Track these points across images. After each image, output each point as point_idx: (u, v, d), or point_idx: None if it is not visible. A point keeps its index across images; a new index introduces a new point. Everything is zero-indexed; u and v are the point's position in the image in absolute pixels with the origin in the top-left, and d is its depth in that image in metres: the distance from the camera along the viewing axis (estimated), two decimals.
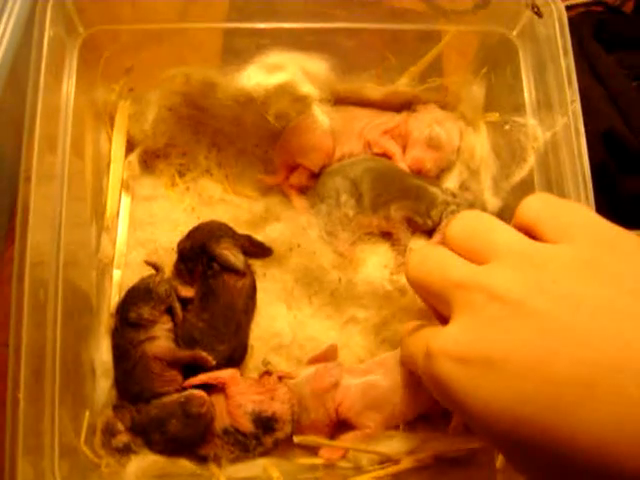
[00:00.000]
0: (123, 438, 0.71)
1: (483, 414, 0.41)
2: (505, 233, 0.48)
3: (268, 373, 0.74)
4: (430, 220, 0.80)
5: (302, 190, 0.84)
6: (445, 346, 0.44)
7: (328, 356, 0.76)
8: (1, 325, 0.79)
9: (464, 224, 0.51)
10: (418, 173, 0.83)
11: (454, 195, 0.81)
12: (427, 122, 0.84)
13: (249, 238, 0.80)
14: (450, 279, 0.47)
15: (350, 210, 0.78)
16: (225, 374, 0.72)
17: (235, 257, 0.76)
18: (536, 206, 0.49)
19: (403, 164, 0.83)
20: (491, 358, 0.41)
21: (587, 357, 0.37)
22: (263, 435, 0.71)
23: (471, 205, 0.80)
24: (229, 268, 0.76)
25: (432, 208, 0.80)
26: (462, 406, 0.42)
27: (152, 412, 0.71)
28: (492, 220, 0.51)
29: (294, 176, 0.83)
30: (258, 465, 0.71)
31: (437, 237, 0.80)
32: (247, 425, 0.70)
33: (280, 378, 0.73)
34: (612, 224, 0.47)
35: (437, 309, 0.52)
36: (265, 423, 0.70)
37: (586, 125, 0.69)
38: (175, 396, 0.71)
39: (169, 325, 0.75)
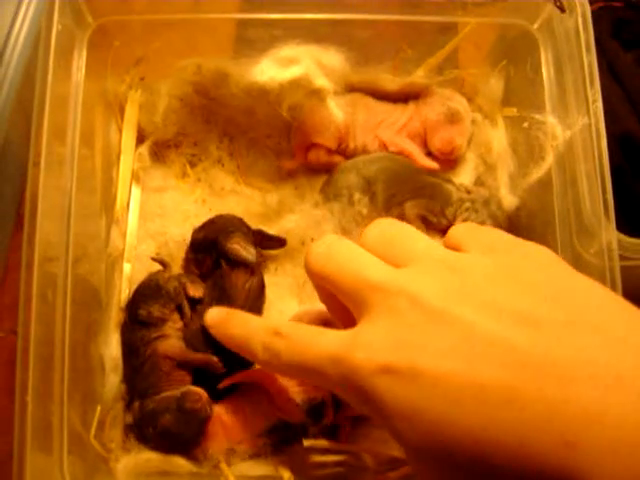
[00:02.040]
0: None
1: (407, 422, 0.40)
2: (425, 241, 0.49)
3: None
4: (445, 219, 0.80)
5: (319, 171, 0.84)
6: (368, 354, 0.42)
7: None
8: (10, 312, 0.79)
9: (381, 230, 0.51)
10: (450, 153, 0.82)
11: (469, 191, 0.80)
12: (439, 102, 0.82)
13: (261, 232, 0.78)
14: (367, 279, 0.46)
15: (363, 208, 0.77)
16: (262, 371, 0.71)
17: (246, 250, 0.75)
18: (462, 230, 0.51)
19: (423, 160, 0.82)
20: (417, 365, 0.40)
21: (510, 361, 0.38)
22: (314, 424, 0.70)
23: (486, 202, 0.79)
24: (239, 262, 0.74)
25: (447, 207, 0.79)
26: (386, 415, 0.41)
27: (149, 406, 0.70)
28: (411, 228, 0.51)
29: (312, 153, 0.82)
30: (269, 464, 0.71)
31: None
32: (300, 416, 0.70)
33: None
34: (526, 241, 0.49)
35: (339, 307, 0.51)
36: (316, 410, 0.70)
37: None
38: (174, 392, 0.70)
39: (179, 324, 0.74)
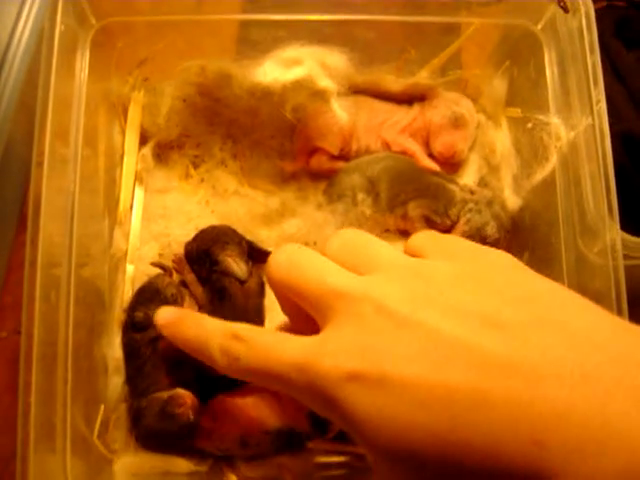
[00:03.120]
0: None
1: (375, 429, 0.40)
2: (387, 249, 0.48)
3: None
4: (448, 219, 0.79)
5: (322, 175, 0.84)
6: (334, 361, 0.42)
7: None
8: (13, 311, 0.79)
9: (343, 240, 0.50)
10: (451, 158, 0.82)
11: (472, 192, 0.80)
12: (445, 105, 0.82)
13: (250, 244, 0.78)
14: (331, 286, 0.45)
15: (367, 209, 0.77)
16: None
17: (237, 265, 0.74)
18: (422, 238, 0.51)
19: (426, 160, 0.82)
20: (384, 370, 0.40)
21: (476, 364, 0.38)
22: (319, 435, 0.70)
23: (489, 202, 0.79)
24: (232, 276, 0.74)
25: (450, 207, 0.79)
26: (353, 422, 0.41)
27: (140, 405, 0.70)
28: (373, 237, 0.50)
29: (314, 159, 0.82)
30: (272, 465, 0.71)
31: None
32: (306, 426, 0.70)
33: None
34: (488, 247, 0.49)
35: (302, 317, 0.50)
36: (323, 423, 0.70)
37: None
38: (166, 393, 0.70)
39: None
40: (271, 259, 0.51)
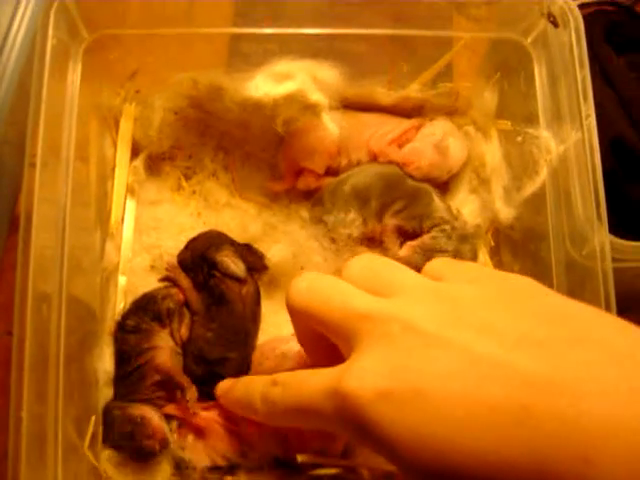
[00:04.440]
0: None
1: (412, 448, 0.39)
2: (409, 272, 0.48)
3: None
4: (419, 227, 0.79)
5: (310, 193, 0.83)
6: (364, 382, 0.42)
7: None
8: (4, 312, 0.79)
9: (364, 264, 0.50)
10: (410, 165, 0.81)
11: (456, 218, 0.80)
12: (443, 130, 0.83)
13: (248, 247, 0.79)
14: (355, 309, 0.45)
15: (355, 230, 0.78)
16: None
17: (235, 265, 0.75)
18: (440, 264, 0.51)
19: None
20: (418, 389, 0.40)
21: (517, 382, 0.38)
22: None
23: (464, 237, 0.79)
24: (230, 276, 0.75)
25: (426, 218, 0.78)
26: (388, 443, 0.40)
27: (115, 411, 0.71)
28: (393, 262, 0.51)
29: (301, 180, 0.82)
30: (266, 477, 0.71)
31: (410, 246, 0.79)
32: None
33: None
34: (508, 272, 0.50)
35: (321, 349, 0.51)
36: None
37: None
38: (141, 409, 0.71)
39: (171, 339, 0.74)
40: (291, 287, 0.51)
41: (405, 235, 0.79)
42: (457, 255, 0.77)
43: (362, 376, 0.42)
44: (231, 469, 0.72)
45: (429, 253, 0.76)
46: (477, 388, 0.38)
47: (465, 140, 0.84)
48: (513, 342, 0.39)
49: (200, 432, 0.71)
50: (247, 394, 0.56)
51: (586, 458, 0.35)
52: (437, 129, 0.83)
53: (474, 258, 0.80)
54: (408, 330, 0.42)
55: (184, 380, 0.72)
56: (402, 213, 0.79)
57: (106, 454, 0.72)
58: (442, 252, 0.76)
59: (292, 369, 0.69)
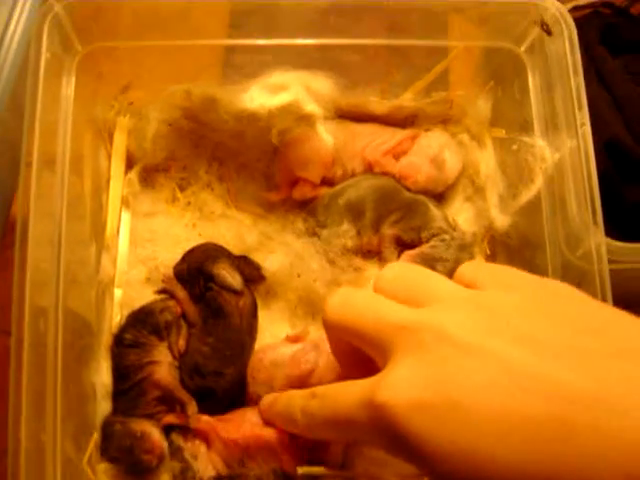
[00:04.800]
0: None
1: (448, 460, 0.39)
2: (443, 280, 0.48)
3: None
4: (417, 238, 0.79)
5: (306, 203, 0.83)
6: (398, 392, 0.41)
7: (301, 340, 0.74)
8: (1, 311, 0.78)
9: (396, 273, 0.50)
10: (406, 179, 0.81)
11: (454, 228, 0.80)
12: (439, 143, 0.83)
13: (245, 259, 0.79)
14: (389, 321, 0.44)
15: (349, 241, 0.78)
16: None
17: (232, 277, 0.75)
18: (474, 268, 0.50)
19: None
20: (454, 400, 0.39)
21: (557, 395, 0.37)
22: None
23: (462, 247, 0.79)
24: (227, 288, 0.75)
25: (424, 228, 0.79)
26: (423, 454, 0.40)
27: (115, 426, 0.71)
28: (426, 270, 0.50)
29: (296, 190, 0.82)
30: None
31: (409, 255, 0.79)
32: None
33: None
34: (545, 278, 0.49)
35: (357, 362, 0.51)
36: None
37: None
38: (142, 424, 0.70)
39: (169, 353, 0.74)
40: (326, 304, 0.50)
41: (403, 245, 0.80)
42: (457, 264, 0.76)
43: (396, 387, 0.41)
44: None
45: (429, 262, 0.76)
46: (515, 401, 0.38)
47: (460, 151, 0.84)
48: (552, 353, 0.39)
49: (203, 438, 0.70)
50: (288, 407, 0.56)
51: (628, 474, 0.34)
52: (433, 141, 0.83)
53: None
54: (442, 340, 0.41)
55: (184, 395, 0.71)
56: (399, 223, 0.79)
57: (102, 467, 0.71)
58: (442, 261, 0.77)
59: (288, 375, 0.70)
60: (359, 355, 0.49)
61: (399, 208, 0.79)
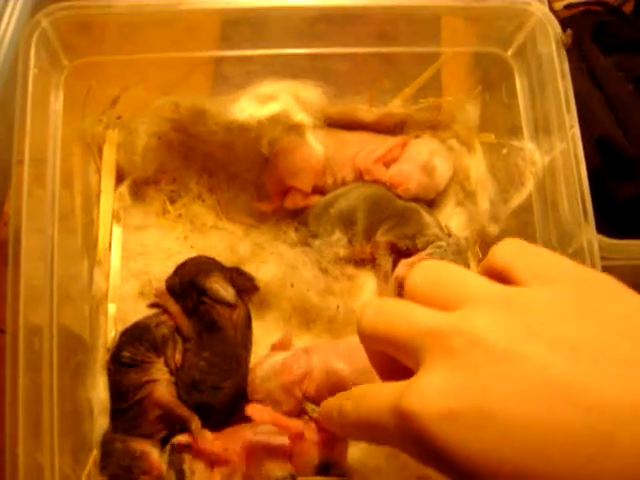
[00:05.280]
0: None
1: (478, 471, 0.37)
2: (475, 279, 0.45)
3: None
4: (413, 246, 0.79)
5: (297, 212, 0.84)
6: (426, 400, 0.39)
7: (284, 345, 0.74)
8: None
9: (426, 273, 0.47)
10: (397, 187, 0.81)
11: (449, 234, 0.80)
12: (429, 150, 0.83)
13: (237, 270, 0.79)
14: (419, 326, 0.42)
15: (341, 249, 0.78)
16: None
17: (225, 290, 0.75)
18: (509, 251, 0.45)
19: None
20: (486, 409, 0.37)
21: (600, 405, 0.35)
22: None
23: (459, 252, 0.79)
24: (220, 301, 0.75)
25: (419, 235, 0.79)
26: (453, 464, 0.38)
27: (115, 444, 0.70)
28: (457, 267, 0.47)
29: (288, 199, 0.82)
30: None
31: (405, 264, 0.78)
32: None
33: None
34: (588, 268, 0.46)
35: (392, 370, 0.49)
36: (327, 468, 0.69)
37: (581, 130, 0.68)
38: (142, 444, 0.70)
39: (167, 369, 0.74)
40: (361, 315, 0.49)
41: (398, 253, 0.80)
42: None
43: (424, 394, 0.39)
44: None
45: None
46: (551, 412, 0.36)
47: (450, 156, 0.85)
48: (590, 360, 0.36)
49: (215, 461, 0.70)
50: (329, 408, 0.54)
51: None
52: (422, 148, 0.83)
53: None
54: (474, 344, 0.39)
55: (185, 411, 0.71)
56: (393, 231, 0.79)
57: None
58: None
59: (283, 383, 0.70)
60: (396, 366, 0.47)
61: (392, 216, 0.79)
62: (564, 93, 0.68)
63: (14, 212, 0.63)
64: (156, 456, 0.69)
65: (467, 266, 0.80)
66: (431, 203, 0.85)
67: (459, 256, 0.79)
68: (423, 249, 0.78)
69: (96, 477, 0.71)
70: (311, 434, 0.69)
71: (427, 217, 0.80)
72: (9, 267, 0.62)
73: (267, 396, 0.71)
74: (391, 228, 0.79)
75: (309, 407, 0.72)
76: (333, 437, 0.69)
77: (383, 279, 0.79)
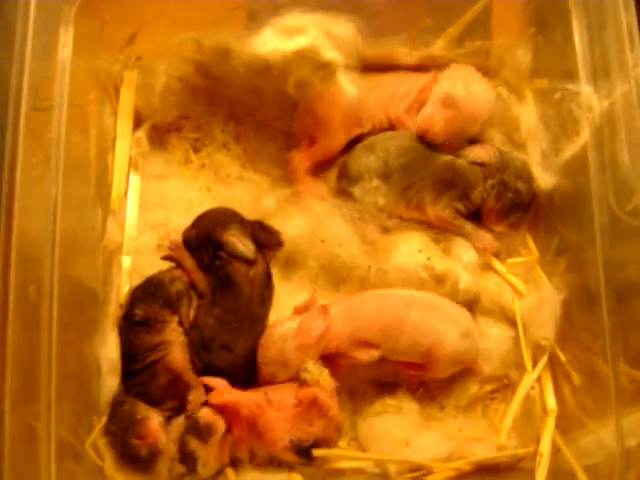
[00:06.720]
0: None
1: None
2: None
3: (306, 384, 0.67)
4: (471, 204, 0.76)
5: (327, 164, 0.79)
6: None
7: (309, 310, 0.70)
8: None
9: None
10: (425, 134, 0.76)
11: (483, 164, 0.76)
12: (452, 79, 0.76)
13: (260, 224, 0.74)
14: None
15: (381, 198, 0.74)
16: (248, 403, 0.66)
17: (244, 245, 0.70)
18: None
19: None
20: None
21: None
22: (304, 463, 0.67)
23: (503, 169, 0.75)
24: (237, 257, 0.70)
25: (470, 191, 0.75)
26: None
27: (125, 406, 0.67)
28: None
29: (310, 154, 0.78)
30: (282, 471, 0.68)
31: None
32: (290, 456, 0.66)
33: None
34: None
35: None
36: (306, 451, 0.66)
37: None
38: (148, 410, 0.67)
39: (181, 329, 0.70)
40: None
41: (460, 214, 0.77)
42: (520, 179, 0.75)
43: None
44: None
45: (508, 210, 0.76)
46: None
47: (482, 78, 0.77)
48: None
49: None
50: None
51: None
52: (445, 81, 0.76)
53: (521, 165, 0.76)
54: None
55: (192, 379, 0.68)
56: (443, 200, 0.76)
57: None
58: (517, 195, 0.75)
59: (299, 346, 0.66)
60: None
61: (433, 186, 0.75)
62: (627, 28, 0.62)
63: (9, 161, 0.58)
64: (155, 424, 0.66)
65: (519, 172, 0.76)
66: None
67: (507, 170, 0.75)
68: (484, 201, 0.76)
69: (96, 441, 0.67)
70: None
71: (460, 163, 0.75)
72: (1, 219, 0.58)
73: (279, 356, 0.67)
74: (442, 199, 0.75)
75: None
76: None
77: (477, 241, 0.77)
